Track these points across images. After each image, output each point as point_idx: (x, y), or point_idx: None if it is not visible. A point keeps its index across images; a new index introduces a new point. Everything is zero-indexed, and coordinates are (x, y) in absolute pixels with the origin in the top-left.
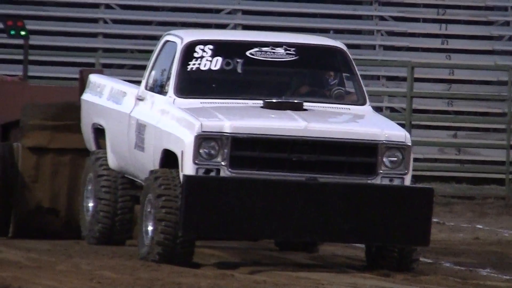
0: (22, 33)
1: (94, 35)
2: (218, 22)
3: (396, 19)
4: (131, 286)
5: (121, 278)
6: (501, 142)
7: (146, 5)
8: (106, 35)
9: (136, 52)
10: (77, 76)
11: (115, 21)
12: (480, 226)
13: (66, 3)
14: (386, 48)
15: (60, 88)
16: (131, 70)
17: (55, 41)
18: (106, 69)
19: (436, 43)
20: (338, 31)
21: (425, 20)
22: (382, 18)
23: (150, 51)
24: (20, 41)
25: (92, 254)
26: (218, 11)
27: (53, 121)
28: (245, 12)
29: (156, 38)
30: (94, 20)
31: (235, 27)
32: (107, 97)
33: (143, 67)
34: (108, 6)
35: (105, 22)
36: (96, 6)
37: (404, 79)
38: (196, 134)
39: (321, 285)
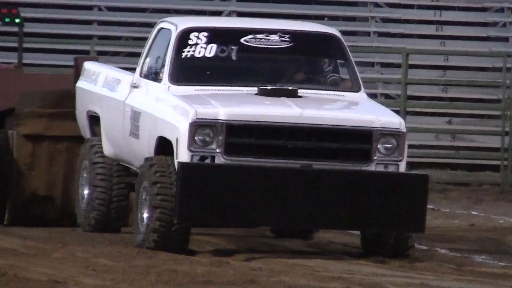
0: (17, 20)
1: (89, 22)
2: (212, 9)
3: (390, 5)
4: (127, 273)
5: (116, 265)
6: (496, 128)
7: None
8: (101, 23)
9: (131, 39)
10: (72, 63)
11: (110, 8)
12: (476, 213)
13: None
14: (381, 34)
15: (55, 76)
16: (126, 58)
17: (50, 29)
18: (101, 56)
19: (430, 30)
20: (332, 18)
21: (420, 7)
22: (376, 5)
23: (145, 39)
24: (14, 29)
25: (88, 241)
26: None
27: (49, 109)
28: None
29: (151, 25)
30: (89, 7)
31: (230, 14)
32: (101, 85)
33: (138, 55)
34: None
35: (100, 9)
36: None
37: (398, 65)
38: (191, 121)
39: (316, 272)
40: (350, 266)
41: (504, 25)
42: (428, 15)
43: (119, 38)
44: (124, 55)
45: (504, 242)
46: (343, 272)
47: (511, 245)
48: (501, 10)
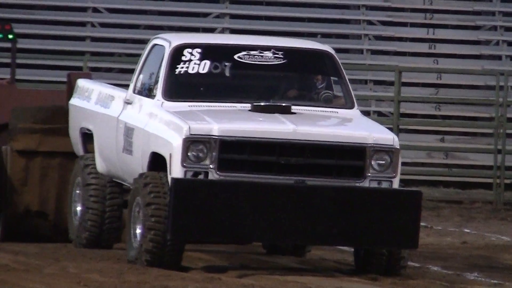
0: (10, 36)
1: (82, 38)
2: (205, 26)
3: (383, 23)
4: None
5: (108, 281)
6: (488, 146)
7: (133, 9)
8: (94, 39)
9: (124, 55)
10: (65, 79)
11: (103, 25)
12: (468, 230)
13: (54, 6)
14: (374, 52)
15: (48, 91)
16: (118, 74)
17: (42, 45)
18: (94, 72)
19: (423, 48)
20: (325, 35)
21: (413, 25)
22: (369, 23)
23: (138, 55)
24: (7, 45)
25: (80, 257)
26: (205, 15)
27: (42, 125)
28: (233, 16)
29: (144, 41)
30: (82, 24)
31: (223, 31)
32: (95, 101)
33: (131, 71)
34: (95, 10)
35: (93, 25)
36: (84, 9)
37: (391, 83)
38: (184, 137)
39: None
40: (342, 283)
41: (497, 43)
42: (421, 33)
43: (112, 54)
44: (117, 71)
45: (496, 260)
46: (316, 280)
47: (503, 263)
48: (494, 28)
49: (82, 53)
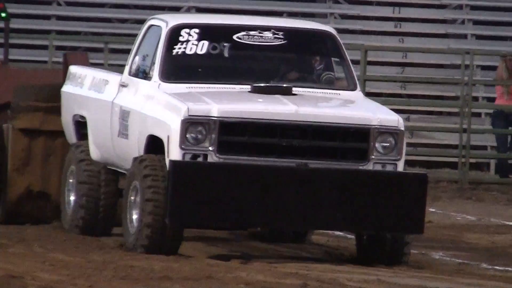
0: (3, 15)
1: (47, 17)
2: (172, 5)
3: (349, 2)
4: (84, 268)
5: (73, 260)
6: (454, 125)
7: None
8: (60, 17)
9: (90, 34)
10: (32, 58)
11: (69, 3)
12: (433, 210)
13: None
14: (340, 31)
15: (44, 71)
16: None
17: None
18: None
19: (389, 27)
20: (292, 14)
21: (379, 4)
22: (335, 1)
23: (104, 34)
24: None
25: (45, 237)
26: None
27: (45, 103)
28: None
29: (109, 20)
30: (48, 2)
31: (188, 9)
32: (88, 87)
33: (97, 50)
34: None
35: (59, 4)
36: None
37: (357, 62)
38: (182, 118)
39: (274, 268)
40: (308, 263)
41: (463, 22)
42: (387, 12)
43: (78, 33)
44: (83, 50)
45: (461, 240)
46: (300, 268)
47: (468, 242)
48: (460, 7)
49: (47, 32)
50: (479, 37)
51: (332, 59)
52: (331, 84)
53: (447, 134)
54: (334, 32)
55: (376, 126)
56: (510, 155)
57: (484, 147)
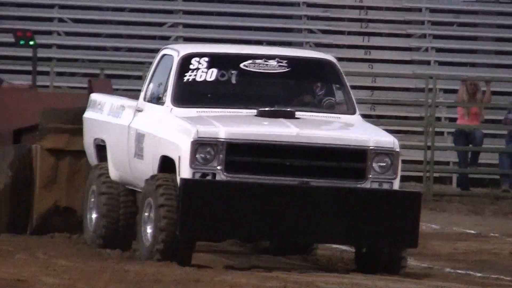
0: (31, 43)
1: (48, 46)
2: (161, 35)
3: (323, 32)
4: (83, 273)
5: (74, 265)
6: (419, 143)
7: (96, 19)
8: (60, 46)
9: (87, 61)
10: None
11: (68, 34)
12: None
13: (23, 17)
14: None
15: (69, 95)
16: (81, 78)
17: (16, 52)
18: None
19: (359, 54)
20: (270, 43)
21: (350, 33)
22: (310, 31)
23: (100, 61)
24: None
25: (49, 245)
26: (161, 24)
27: (70, 125)
28: (186, 26)
29: (105, 49)
30: (49, 33)
31: (176, 39)
32: (107, 113)
33: (93, 75)
34: (61, 20)
35: (59, 34)
36: (50, 20)
37: None
38: (192, 139)
39: (256, 272)
40: (288, 267)
41: (426, 50)
42: (357, 40)
43: (76, 60)
44: (80, 75)
45: (426, 246)
46: (281, 272)
47: (432, 249)
48: (424, 36)
49: (49, 59)
50: (441, 63)
51: (333, 85)
52: (331, 108)
53: (412, 151)
54: (334, 60)
55: (373, 147)
56: (470, 170)
57: (446, 163)
